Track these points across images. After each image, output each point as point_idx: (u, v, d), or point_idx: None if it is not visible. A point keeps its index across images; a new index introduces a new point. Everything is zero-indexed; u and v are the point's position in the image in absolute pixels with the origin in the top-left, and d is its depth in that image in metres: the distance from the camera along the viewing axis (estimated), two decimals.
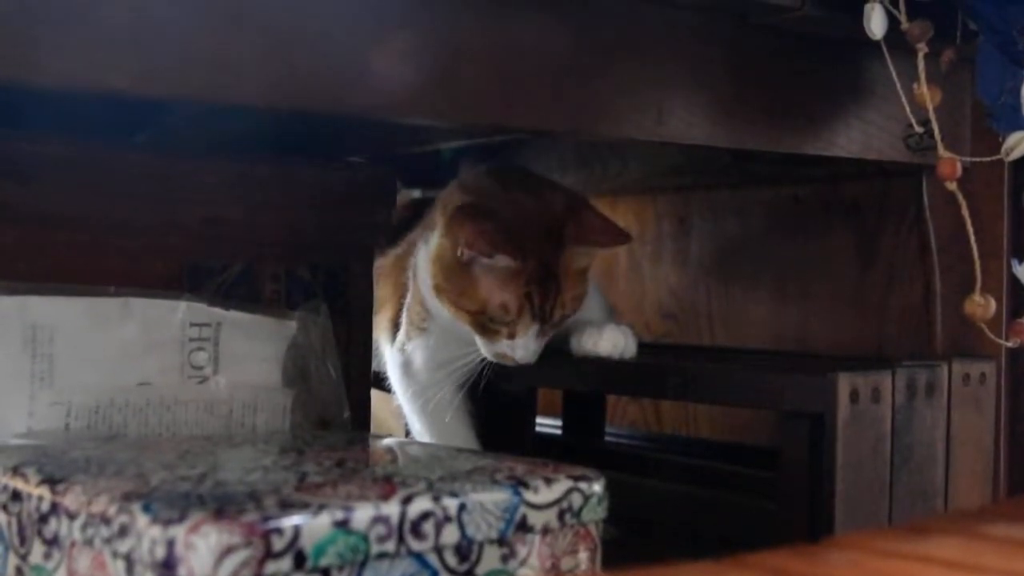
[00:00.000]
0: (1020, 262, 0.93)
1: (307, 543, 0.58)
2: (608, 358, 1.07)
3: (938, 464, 0.95)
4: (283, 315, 0.94)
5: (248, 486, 0.63)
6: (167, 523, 0.57)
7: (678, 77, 0.88)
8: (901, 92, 0.84)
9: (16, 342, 0.83)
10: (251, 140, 1.03)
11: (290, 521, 0.58)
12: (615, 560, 0.64)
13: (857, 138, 0.98)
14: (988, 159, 0.87)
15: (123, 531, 0.59)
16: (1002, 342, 0.90)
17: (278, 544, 0.57)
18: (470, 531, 0.64)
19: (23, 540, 0.67)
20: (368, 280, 1.05)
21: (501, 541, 0.65)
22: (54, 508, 0.64)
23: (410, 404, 1.16)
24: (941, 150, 0.84)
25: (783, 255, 1.30)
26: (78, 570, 0.62)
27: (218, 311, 0.91)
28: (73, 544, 0.63)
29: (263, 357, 0.92)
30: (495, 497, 0.65)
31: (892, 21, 0.83)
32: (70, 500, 0.63)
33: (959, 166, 0.83)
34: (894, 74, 0.84)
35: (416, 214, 1.20)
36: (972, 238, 0.84)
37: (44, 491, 0.65)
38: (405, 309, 1.14)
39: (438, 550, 0.63)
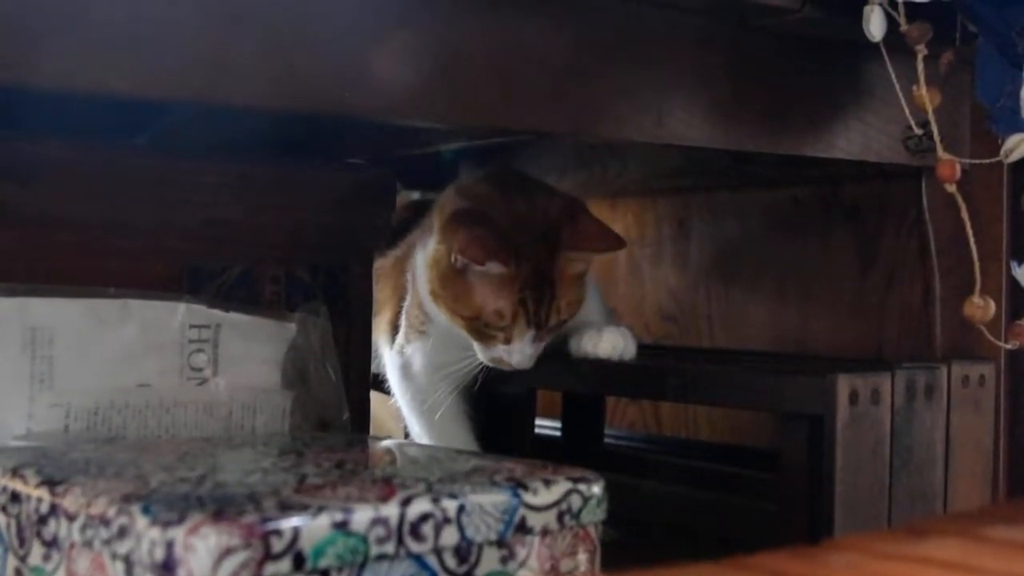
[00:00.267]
0: (1019, 264, 0.93)
1: (306, 544, 0.58)
2: (607, 360, 1.06)
3: (937, 466, 0.95)
4: (283, 317, 0.94)
5: (247, 488, 0.63)
6: (166, 525, 0.57)
7: (678, 79, 0.88)
8: (900, 94, 0.84)
9: (15, 344, 0.83)
10: (251, 141, 1.03)
11: (289, 523, 0.58)
12: (614, 562, 0.64)
13: (857, 140, 0.98)
14: (987, 161, 0.87)
15: (122, 532, 0.59)
16: (1001, 344, 0.90)
17: (277, 545, 0.57)
18: (469, 533, 0.64)
19: (22, 541, 0.67)
20: (368, 282, 1.05)
21: (500, 543, 0.65)
22: (53, 509, 0.64)
23: (409, 406, 1.16)
24: (940, 152, 0.84)
25: (783, 257, 1.30)
26: (77, 571, 0.62)
27: (218, 313, 0.91)
28: (72, 545, 0.63)
29: (263, 359, 0.92)
30: (494, 499, 0.65)
31: (891, 23, 0.82)
32: (69, 502, 0.63)
33: (958, 168, 0.83)
34: (893, 76, 0.84)
35: (416, 216, 1.20)
36: (971, 240, 0.84)
37: (43, 492, 0.65)
38: (404, 312, 1.14)
39: (437, 552, 0.62)
